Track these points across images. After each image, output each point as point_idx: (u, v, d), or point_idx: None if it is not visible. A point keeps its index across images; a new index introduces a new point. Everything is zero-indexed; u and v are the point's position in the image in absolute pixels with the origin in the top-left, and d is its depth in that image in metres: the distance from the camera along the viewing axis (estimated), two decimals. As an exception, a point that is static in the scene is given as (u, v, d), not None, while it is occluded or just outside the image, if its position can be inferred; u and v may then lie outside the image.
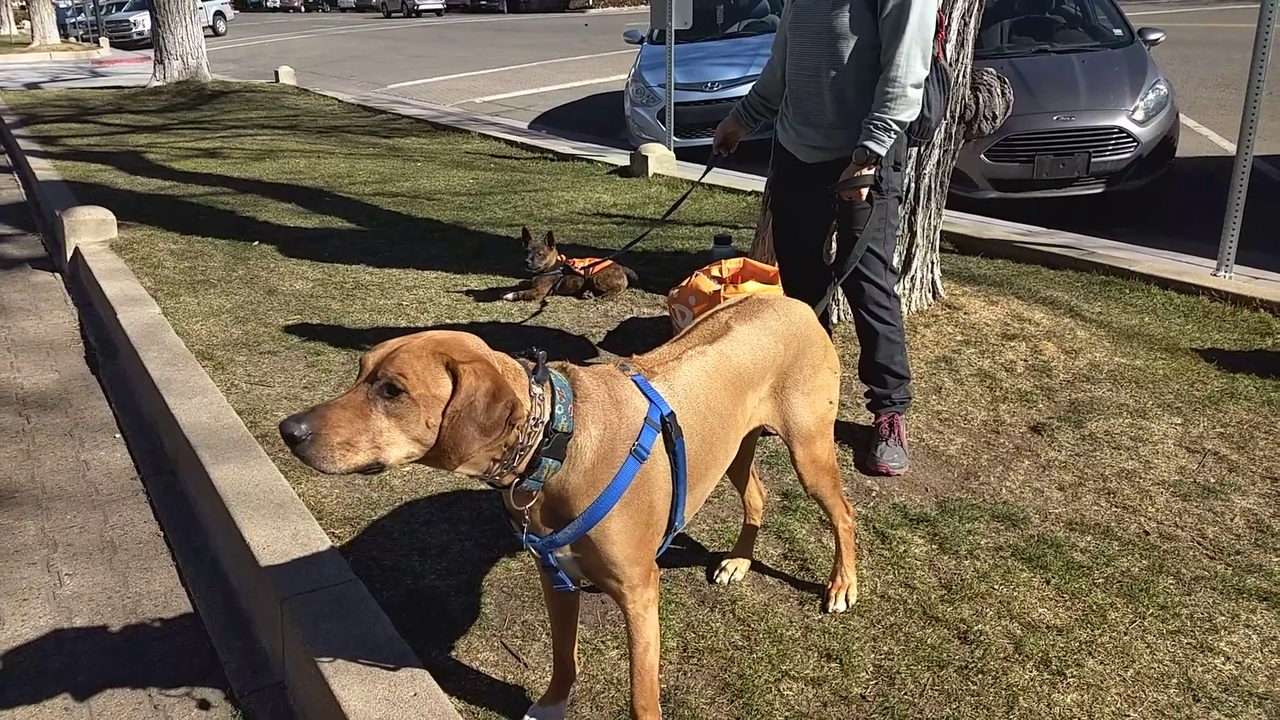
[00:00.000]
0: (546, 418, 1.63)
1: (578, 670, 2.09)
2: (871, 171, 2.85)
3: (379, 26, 32.25)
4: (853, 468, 3.09)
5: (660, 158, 7.77)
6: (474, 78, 16.34)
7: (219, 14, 32.72)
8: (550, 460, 1.63)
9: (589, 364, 1.87)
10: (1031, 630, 2.32)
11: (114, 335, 4.53)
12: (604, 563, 1.73)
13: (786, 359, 2.11)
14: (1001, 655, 2.23)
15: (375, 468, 1.52)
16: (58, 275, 5.72)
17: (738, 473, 2.44)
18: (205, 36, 15.41)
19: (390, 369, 1.50)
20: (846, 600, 2.39)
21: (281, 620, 2.34)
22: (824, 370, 2.19)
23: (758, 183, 6.82)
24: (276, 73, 15.25)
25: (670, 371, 1.88)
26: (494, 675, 2.20)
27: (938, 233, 4.28)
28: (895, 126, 2.80)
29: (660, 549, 1.85)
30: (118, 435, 3.68)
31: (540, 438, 1.62)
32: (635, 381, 1.80)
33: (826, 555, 2.59)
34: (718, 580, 2.46)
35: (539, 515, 1.71)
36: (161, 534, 3.00)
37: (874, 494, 2.94)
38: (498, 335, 4.24)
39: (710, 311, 2.12)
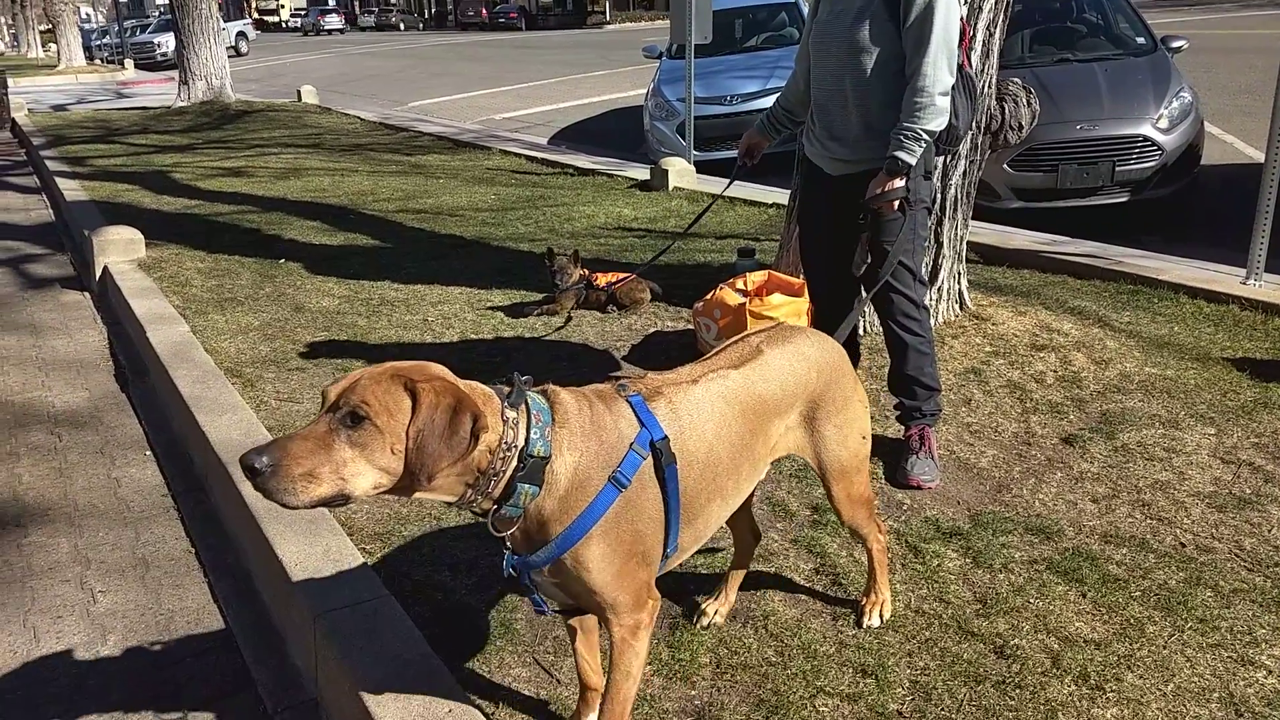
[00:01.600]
0: (521, 442, 1.60)
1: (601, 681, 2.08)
2: (902, 183, 2.84)
3: (397, 45, 32.58)
4: (883, 481, 3.07)
5: (680, 171, 7.78)
6: (493, 94, 16.46)
7: (241, 34, 33.21)
8: (527, 486, 1.60)
9: (613, 378, 1.86)
10: (1069, 644, 2.29)
11: (144, 354, 4.58)
12: (584, 589, 1.69)
13: (818, 388, 2.06)
14: (1039, 670, 2.20)
15: (340, 499, 1.49)
16: (87, 294, 5.79)
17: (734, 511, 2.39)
18: (228, 57, 15.63)
19: (353, 398, 1.48)
20: (881, 616, 2.36)
21: (314, 637, 2.35)
22: (855, 403, 2.14)
23: (780, 195, 6.82)
24: (299, 92, 15.43)
25: (679, 393, 1.83)
26: (526, 691, 2.19)
27: (964, 243, 4.26)
28: (925, 136, 2.79)
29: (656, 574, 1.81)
30: (148, 453, 3.71)
31: (515, 463, 1.59)
32: (631, 403, 1.75)
33: (859, 570, 2.57)
34: (697, 624, 2.37)
35: (519, 540, 1.69)
36: (193, 550, 3.02)
37: (905, 507, 2.92)
38: (523, 350, 4.25)
39: (743, 335, 2.10)
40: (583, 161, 9.04)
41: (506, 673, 2.24)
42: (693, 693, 2.16)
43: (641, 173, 8.27)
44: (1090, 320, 4.27)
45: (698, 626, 2.37)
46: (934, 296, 4.14)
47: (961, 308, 4.29)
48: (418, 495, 1.58)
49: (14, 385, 4.35)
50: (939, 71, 2.75)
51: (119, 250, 5.89)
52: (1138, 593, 2.47)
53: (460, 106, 15.22)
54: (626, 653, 1.76)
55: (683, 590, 2.52)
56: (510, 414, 1.61)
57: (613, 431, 1.70)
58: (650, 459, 1.72)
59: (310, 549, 2.62)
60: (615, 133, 11.72)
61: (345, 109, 14.23)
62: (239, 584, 2.84)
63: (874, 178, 2.88)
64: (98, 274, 5.82)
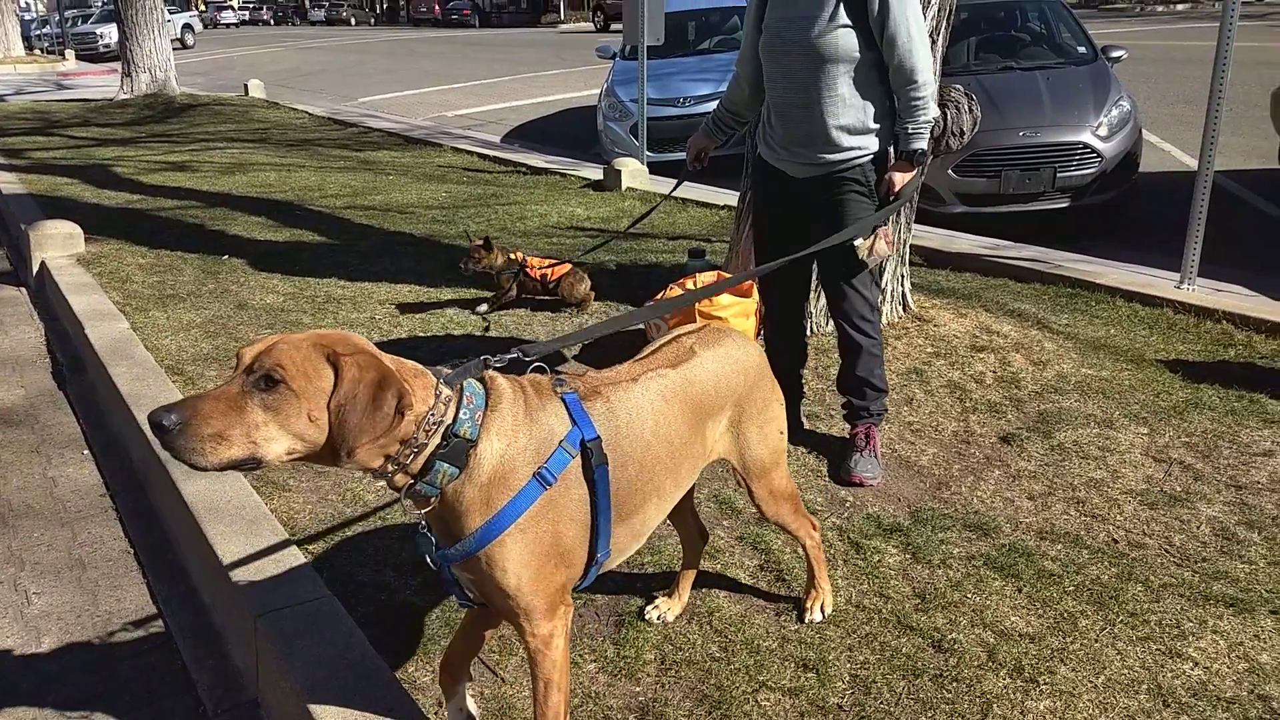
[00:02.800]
0: (449, 420, 1.57)
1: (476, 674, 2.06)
2: (916, 172, 2.94)
3: (347, 40, 32.18)
4: (827, 478, 3.12)
5: (633, 172, 7.80)
6: (445, 91, 16.33)
7: (187, 26, 32.50)
8: (445, 465, 1.57)
9: (555, 373, 1.85)
10: (1004, 638, 2.34)
11: (82, 350, 4.47)
12: (496, 589, 1.64)
13: (743, 391, 2.09)
14: (975, 663, 2.26)
15: (251, 463, 1.45)
16: (23, 290, 5.64)
17: (677, 511, 2.35)
18: (173, 49, 15.29)
19: (268, 360, 1.44)
20: (822, 610, 2.40)
21: (255, 637, 2.32)
22: (774, 403, 2.17)
23: (730, 197, 6.87)
24: (246, 86, 15.15)
25: (617, 392, 1.81)
26: (471, 690, 2.18)
27: (908, 246, 4.34)
28: (927, 123, 2.90)
29: (585, 581, 1.79)
30: (86, 451, 3.63)
31: (438, 440, 1.56)
32: (565, 400, 1.71)
33: (802, 566, 2.61)
34: (647, 616, 2.39)
35: (436, 527, 1.66)
36: (131, 551, 2.96)
37: (848, 504, 2.96)
38: (473, 349, 4.23)
39: (672, 335, 2.11)
40: (536, 160, 9.01)
41: (451, 671, 2.23)
42: (637, 689, 2.18)
43: (595, 173, 8.27)
44: (1029, 322, 4.37)
45: (646, 622, 2.38)
46: (879, 298, 4.20)
47: (905, 309, 4.36)
48: (333, 465, 1.54)
49: (-56, 382, 4.22)
50: (925, 61, 2.85)
51: (57, 245, 5.74)
52: (1071, 587, 2.54)
53: (411, 103, 15.08)
54: (544, 663, 1.72)
55: (629, 588, 2.54)
56: (444, 391, 1.59)
57: (544, 426, 1.67)
58: (579, 458, 1.69)
59: (251, 548, 2.59)
60: (569, 132, 11.71)
61: (294, 104, 14.01)
62: (178, 584, 2.79)
63: (832, 171, 2.96)
64: (35, 269, 5.67)
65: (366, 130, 11.39)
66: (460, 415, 1.58)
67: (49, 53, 28.68)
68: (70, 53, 26.81)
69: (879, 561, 2.65)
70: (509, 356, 1.78)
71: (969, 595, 2.51)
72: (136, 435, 3.42)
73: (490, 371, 1.70)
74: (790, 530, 2.30)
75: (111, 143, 10.39)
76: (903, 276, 4.33)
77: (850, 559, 2.67)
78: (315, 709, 1.99)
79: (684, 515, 2.39)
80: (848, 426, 3.24)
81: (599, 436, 1.72)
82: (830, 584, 2.45)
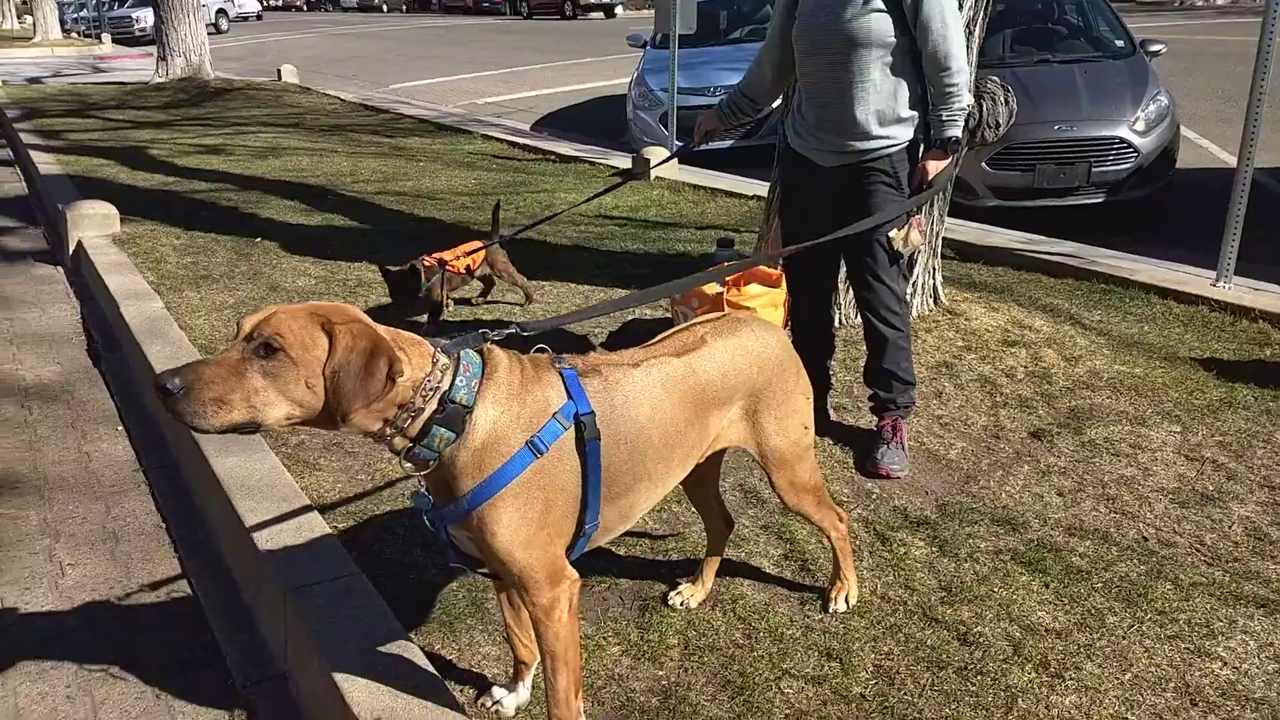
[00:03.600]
0: (445, 386, 1.63)
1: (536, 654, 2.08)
2: (949, 161, 2.92)
3: (379, 26, 32.30)
4: (853, 470, 3.11)
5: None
6: (476, 79, 16.37)
7: (221, 12, 32.77)
8: (441, 429, 1.63)
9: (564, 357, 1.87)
10: (1030, 633, 2.33)
11: (116, 329, 4.54)
12: (490, 550, 1.71)
13: (759, 382, 2.07)
14: (1000, 657, 2.25)
15: (250, 427, 1.51)
16: (60, 269, 5.73)
17: (701, 499, 2.40)
18: (208, 34, 15.43)
19: (266, 329, 1.50)
20: (847, 601, 2.40)
21: (285, 613, 2.35)
22: (796, 395, 2.15)
23: (760, 187, 6.84)
24: (279, 71, 15.27)
25: (616, 373, 1.84)
26: (495, 670, 2.21)
27: (940, 239, 4.30)
28: (961, 111, 2.87)
29: (572, 554, 1.82)
30: (120, 427, 3.69)
31: (434, 405, 1.62)
32: (563, 375, 1.76)
33: (827, 556, 2.60)
34: (670, 602, 2.41)
35: (435, 489, 1.72)
36: (163, 525, 3.01)
37: (874, 496, 2.95)
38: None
39: (687, 324, 2.11)
40: (565, 148, 9.02)
41: (476, 651, 2.26)
42: (660, 673, 2.19)
43: (624, 161, 8.26)
44: (1062, 318, 4.33)
45: (669, 607, 2.39)
46: (909, 291, 4.18)
47: (936, 303, 4.33)
48: (330, 429, 1.59)
49: (-17, 357, 4.30)
50: (959, 48, 2.83)
51: (93, 225, 5.83)
52: (1099, 584, 2.52)
53: (442, 90, 15.13)
54: (546, 635, 1.77)
55: (653, 573, 2.55)
56: (442, 359, 1.65)
57: (538, 398, 1.71)
58: (572, 431, 1.73)
59: (282, 525, 2.62)
60: (598, 121, 11.70)
61: (326, 89, 14.10)
62: (209, 559, 2.84)
63: (861, 161, 2.93)
64: (71, 248, 5.75)
65: (398, 116, 11.45)
66: (457, 382, 1.64)
67: (85, 36, 29.03)
68: (106, 36, 27.13)
69: (905, 554, 2.64)
70: (507, 332, 1.83)
71: (995, 589, 2.50)
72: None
73: (489, 344, 1.76)
74: (814, 521, 2.29)
75: (147, 125, 10.51)
76: (934, 269, 4.30)
77: (876, 551, 2.66)
78: (344, 684, 2.02)
79: (709, 502, 2.40)
80: (875, 419, 3.22)
81: (593, 411, 1.75)
82: (855, 575, 2.44)
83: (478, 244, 4.22)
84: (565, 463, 1.73)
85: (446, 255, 4.17)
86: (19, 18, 34.35)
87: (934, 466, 3.14)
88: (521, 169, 8.30)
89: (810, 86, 3.04)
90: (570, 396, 1.74)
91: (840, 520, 2.34)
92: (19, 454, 3.42)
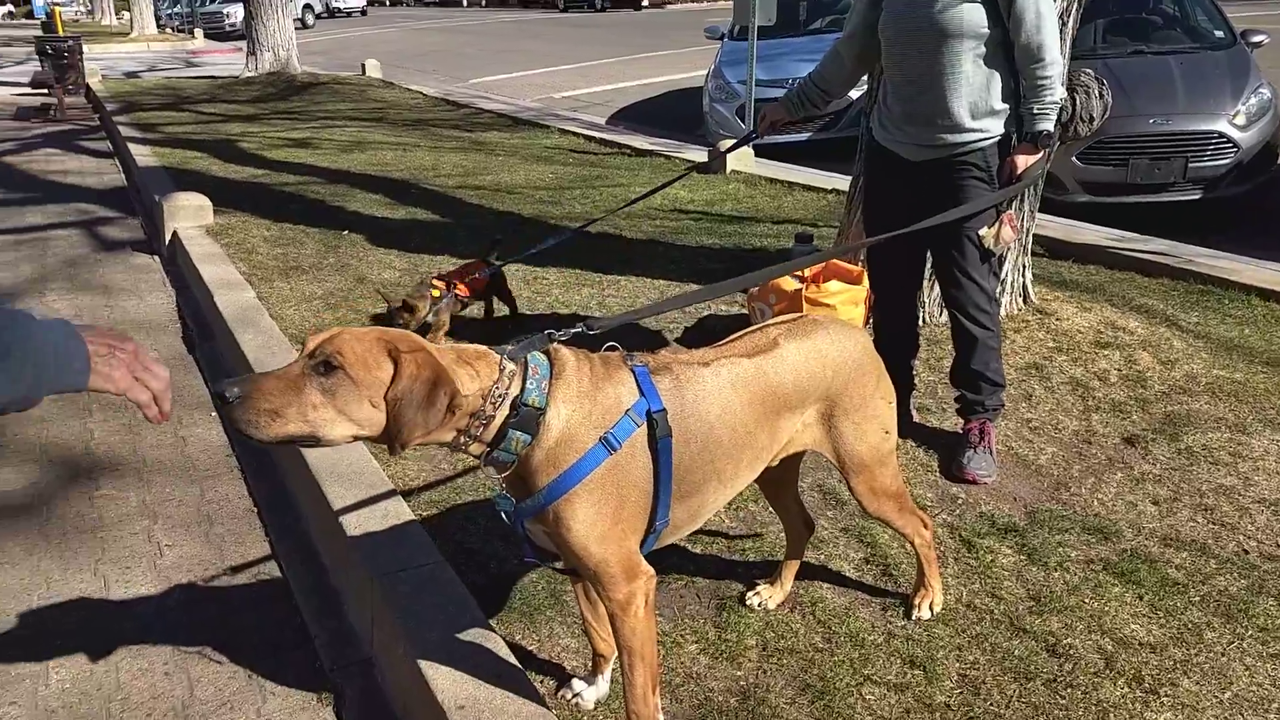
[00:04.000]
0: (515, 391, 1.65)
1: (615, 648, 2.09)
2: (1040, 156, 2.84)
3: (459, 21, 32.74)
4: (938, 474, 3.05)
5: (739, 155, 7.72)
6: (553, 73, 16.48)
7: (307, 7, 33.60)
8: (517, 433, 1.66)
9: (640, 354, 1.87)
10: (1123, 646, 2.26)
11: (210, 317, 4.70)
12: (566, 544, 1.73)
13: (835, 385, 2.04)
14: (1091, 670, 2.18)
15: (309, 440, 1.53)
16: (156, 258, 5.95)
17: (779, 500, 2.38)
18: (295, 29, 15.84)
19: (329, 347, 1.53)
20: (931, 608, 2.36)
21: (371, 598, 2.41)
22: (876, 400, 2.10)
23: (840, 180, 6.75)
24: (363, 65, 15.60)
25: (686, 372, 1.84)
26: (574, 662, 2.22)
27: (1030, 236, 4.19)
28: (1054, 104, 2.80)
29: (642, 549, 1.82)
30: (213, 413, 3.81)
31: (507, 411, 1.65)
32: (635, 373, 1.77)
33: (910, 561, 2.56)
34: (748, 602, 2.40)
35: (514, 486, 1.74)
36: (255, 509, 3.11)
37: (960, 502, 2.89)
38: (570, 326, 4.27)
39: (760, 325, 2.09)
40: (640, 142, 9.03)
41: (556, 643, 2.28)
42: (738, 673, 2.18)
43: (699, 155, 8.23)
44: (1157, 319, 4.17)
45: (747, 608, 2.38)
46: (998, 289, 4.08)
47: (1025, 302, 4.22)
48: (395, 449, 1.61)
49: (87, 343, 4.49)
50: (1055, 40, 2.76)
51: (188, 216, 6.04)
52: (1197, 598, 2.43)
53: (520, 84, 15.27)
54: (623, 629, 1.78)
55: (730, 573, 2.54)
56: (509, 365, 1.68)
57: (610, 395, 1.73)
58: (645, 428, 1.74)
59: (370, 512, 2.69)
60: (674, 114, 11.68)
61: (408, 84, 14.36)
62: (299, 543, 2.92)
63: (952, 155, 2.88)
64: (167, 238, 5.97)
65: (477, 111, 11.60)
66: (527, 386, 1.67)
67: (179, 31, 30.09)
68: (199, 31, 28.08)
69: (992, 562, 2.58)
70: (573, 331, 1.84)
71: (1086, 600, 2.42)
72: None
73: (554, 344, 1.77)
74: (896, 528, 2.25)
75: (237, 119, 10.85)
76: (1024, 267, 4.18)
77: (961, 558, 2.61)
78: (429, 672, 2.06)
79: (788, 504, 2.38)
80: (961, 421, 3.15)
81: (665, 409, 1.75)
82: (940, 582, 2.39)
83: (479, 265, 4.18)
84: (639, 459, 1.74)
85: (458, 281, 4.12)
86: (117, 14, 35.79)
87: (1022, 472, 3.06)
88: (597, 163, 8.33)
89: (898, 79, 2.98)
90: (642, 393, 1.75)
91: (925, 526, 2.29)
92: (120, 437, 3.57)
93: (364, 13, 36.85)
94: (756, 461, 1.97)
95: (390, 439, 1.57)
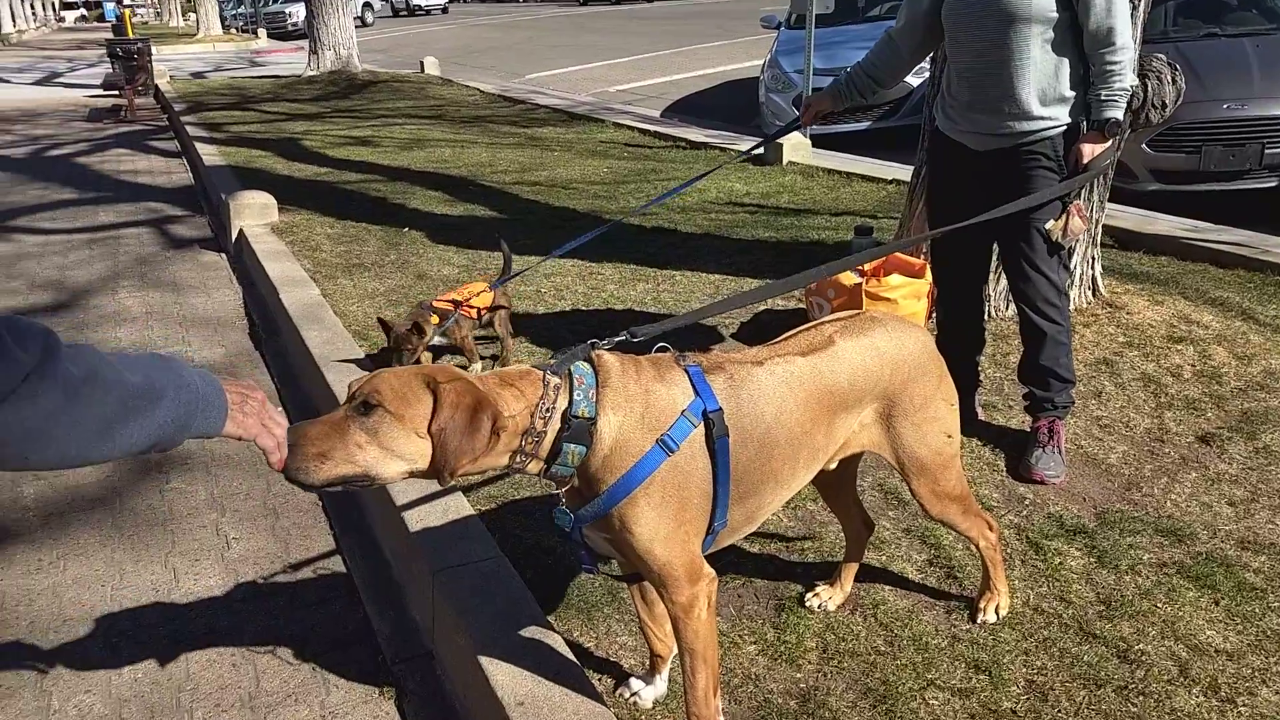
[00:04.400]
0: (564, 405, 1.64)
1: (673, 647, 2.09)
2: (1109, 144, 2.76)
3: (516, 16, 32.92)
4: (1004, 473, 2.97)
5: (795, 145, 7.65)
6: (609, 67, 16.49)
7: (367, 5, 34.12)
8: (573, 445, 1.65)
9: (710, 353, 1.85)
10: (1198, 653, 2.18)
11: (276, 314, 4.80)
12: (630, 547, 1.71)
13: (893, 385, 1.98)
14: (1165, 678, 2.11)
15: (362, 479, 1.56)
16: (223, 255, 6.09)
17: (837, 501, 2.34)
18: (355, 27, 16.09)
19: (367, 388, 1.56)
20: (996, 612, 2.30)
21: (432, 593, 2.44)
22: (937, 401, 2.04)
23: (900, 171, 6.64)
24: (422, 63, 15.78)
25: (740, 371, 1.81)
26: (632, 660, 2.22)
27: (1099, 226, 4.07)
28: (1123, 91, 2.72)
29: (702, 550, 1.81)
30: (279, 408, 3.89)
31: (559, 424, 1.64)
32: (689, 373, 1.75)
33: (975, 563, 2.51)
34: (808, 603, 2.37)
35: (573, 497, 1.74)
36: (320, 503, 3.16)
37: (1027, 502, 2.82)
38: (633, 323, 4.27)
39: (816, 323, 2.04)
40: (695, 135, 8.98)
41: (613, 640, 2.28)
42: (798, 675, 2.16)
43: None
44: (1233, 312, 4.02)
45: (807, 609, 2.35)
46: (1068, 282, 3.97)
47: (1095, 294, 4.10)
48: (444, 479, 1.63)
49: (157, 339, 4.63)
50: (1124, 23, 2.67)
51: (254, 214, 6.17)
52: (1276, 604, 2.34)
53: (576, 78, 15.31)
54: (686, 631, 1.77)
55: (788, 573, 2.51)
56: (553, 379, 1.67)
57: (663, 396, 1.70)
58: (702, 428, 1.71)
59: (430, 507, 2.72)
60: (730, 106, 11.60)
61: (466, 81, 14.49)
62: (362, 536, 2.96)
63: (1019, 144, 2.80)
64: (234, 236, 6.11)
65: (533, 107, 11.66)
66: (575, 397, 1.65)
67: (243, 31, 30.78)
68: (262, 31, 28.69)
69: (1060, 564, 2.51)
70: (617, 339, 1.83)
71: (1159, 605, 2.35)
72: (325, 394, 3.64)
73: (596, 351, 1.76)
74: (960, 531, 2.20)
75: (300, 117, 11.06)
76: (1093, 259, 4.07)
77: (1029, 560, 2.54)
78: (488, 667, 2.07)
79: (846, 504, 2.34)
80: (1029, 419, 3.08)
81: (721, 408, 1.73)
82: (1007, 585, 2.34)
83: (483, 286, 3.88)
84: (697, 460, 1.72)
85: (458, 296, 3.83)
86: (184, 15, 36.73)
87: (1092, 471, 2.97)
88: (652, 156, 8.31)
89: (963, 66, 2.91)
90: (698, 393, 1.73)
91: (990, 529, 2.24)
92: (190, 431, 3.66)
93: (445, 10, 36.55)
94: (813, 462, 1.94)
95: (438, 470, 1.58)
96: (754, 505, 1.85)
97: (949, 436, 2.08)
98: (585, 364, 1.72)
